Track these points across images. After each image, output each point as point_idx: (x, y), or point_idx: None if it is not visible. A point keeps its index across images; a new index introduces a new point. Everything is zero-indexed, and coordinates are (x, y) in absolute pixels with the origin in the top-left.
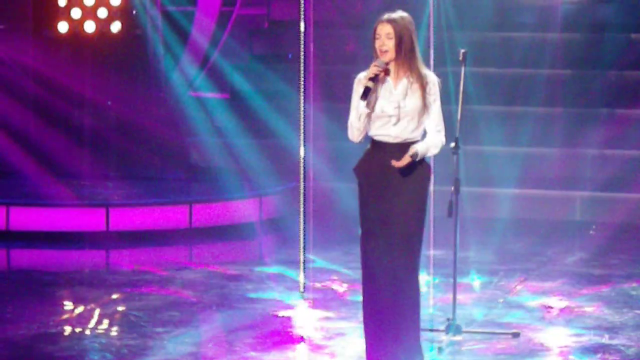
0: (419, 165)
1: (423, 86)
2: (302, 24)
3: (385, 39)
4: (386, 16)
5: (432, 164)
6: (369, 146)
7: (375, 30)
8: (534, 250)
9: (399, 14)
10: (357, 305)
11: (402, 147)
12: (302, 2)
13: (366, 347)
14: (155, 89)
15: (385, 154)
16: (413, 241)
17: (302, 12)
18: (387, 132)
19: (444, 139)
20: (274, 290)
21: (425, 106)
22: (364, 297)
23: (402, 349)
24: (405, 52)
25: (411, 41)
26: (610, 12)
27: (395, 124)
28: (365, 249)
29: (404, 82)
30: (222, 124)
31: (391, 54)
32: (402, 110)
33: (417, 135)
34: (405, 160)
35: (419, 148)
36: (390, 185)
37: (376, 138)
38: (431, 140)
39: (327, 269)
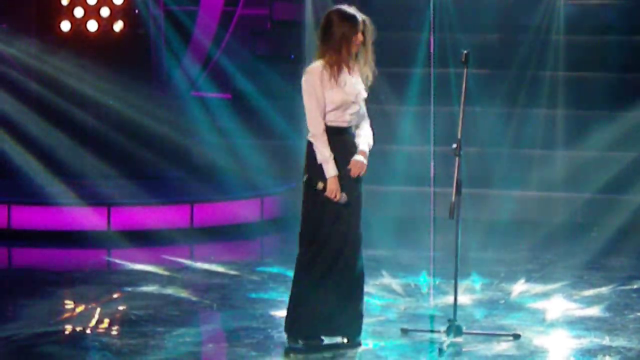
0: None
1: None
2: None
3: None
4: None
5: (432, 165)
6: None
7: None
8: (535, 252)
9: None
10: None
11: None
12: (305, 3)
13: (302, 308)
14: (157, 88)
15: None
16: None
17: (305, 13)
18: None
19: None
20: (274, 290)
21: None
22: (314, 265)
23: (354, 312)
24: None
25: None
26: (613, 15)
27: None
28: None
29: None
30: (224, 124)
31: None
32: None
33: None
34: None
35: (366, 150)
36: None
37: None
38: (366, 133)
39: None
